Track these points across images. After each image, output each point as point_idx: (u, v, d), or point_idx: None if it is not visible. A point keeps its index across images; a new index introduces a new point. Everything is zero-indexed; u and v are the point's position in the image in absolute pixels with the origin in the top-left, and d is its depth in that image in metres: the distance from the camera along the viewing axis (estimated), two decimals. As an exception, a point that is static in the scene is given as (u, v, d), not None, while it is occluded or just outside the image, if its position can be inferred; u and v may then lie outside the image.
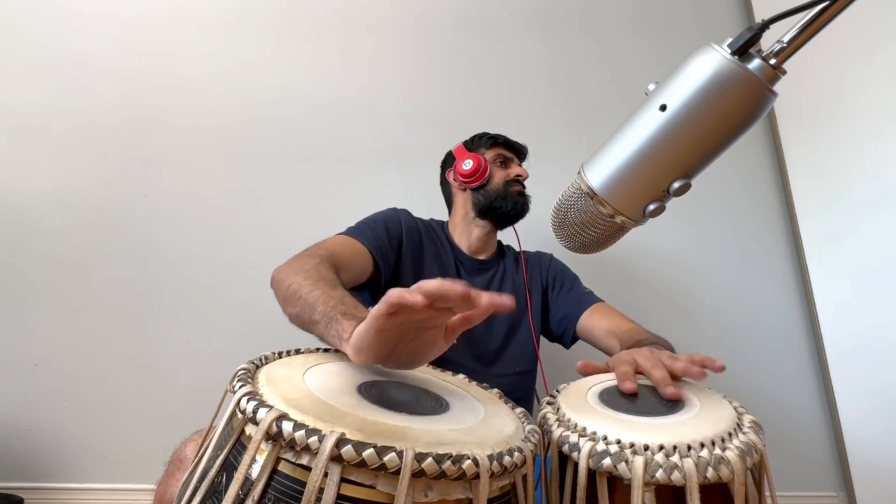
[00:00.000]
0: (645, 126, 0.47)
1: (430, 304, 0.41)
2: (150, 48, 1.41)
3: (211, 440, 0.44)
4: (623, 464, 0.43)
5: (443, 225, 1.12)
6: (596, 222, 0.52)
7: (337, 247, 0.83)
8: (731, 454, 0.43)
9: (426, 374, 0.56)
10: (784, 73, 0.43)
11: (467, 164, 1.05)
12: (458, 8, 1.57)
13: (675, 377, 0.56)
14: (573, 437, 0.47)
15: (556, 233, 0.57)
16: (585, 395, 0.56)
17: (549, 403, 0.55)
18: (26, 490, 1.16)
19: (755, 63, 0.43)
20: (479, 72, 1.54)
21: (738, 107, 0.44)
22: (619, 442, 0.44)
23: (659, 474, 0.41)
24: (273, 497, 0.36)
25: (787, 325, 1.47)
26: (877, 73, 1.30)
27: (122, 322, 1.26)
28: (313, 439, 0.35)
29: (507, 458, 0.39)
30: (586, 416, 0.50)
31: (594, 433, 0.46)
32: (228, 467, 0.39)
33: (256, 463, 0.37)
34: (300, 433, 0.35)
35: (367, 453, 0.34)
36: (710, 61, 0.43)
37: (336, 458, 0.34)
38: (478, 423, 0.45)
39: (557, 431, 0.49)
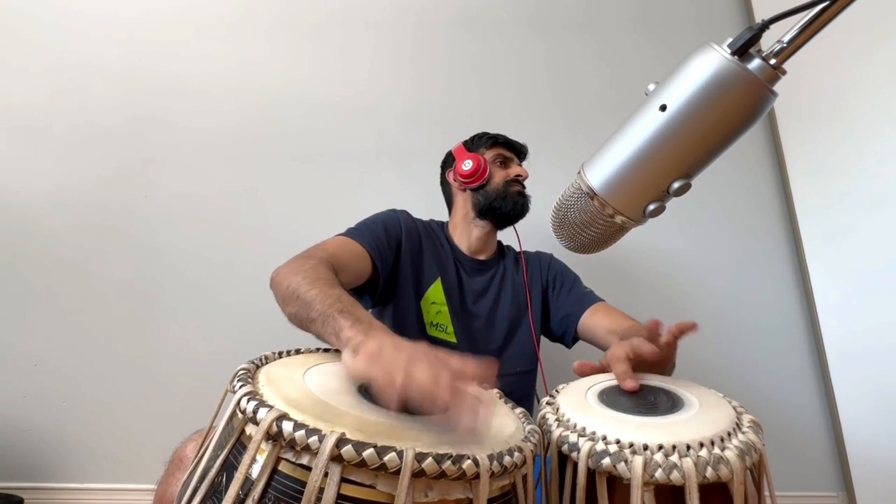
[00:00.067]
0: (645, 126, 0.47)
1: None
2: (150, 48, 1.41)
3: (211, 440, 0.44)
4: (622, 463, 0.43)
5: (443, 226, 1.12)
6: (596, 222, 0.52)
7: (336, 248, 0.83)
8: (730, 454, 0.43)
9: None
10: (784, 73, 0.43)
11: (467, 165, 1.05)
12: (458, 8, 1.57)
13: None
14: (573, 437, 0.47)
15: (556, 233, 0.57)
16: (585, 395, 0.56)
17: (548, 403, 0.56)
18: (26, 490, 1.16)
19: (755, 63, 0.43)
20: (479, 72, 1.54)
21: (738, 107, 0.44)
22: (618, 442, 0.45)
23: (658, 474, 0.41)
24: (273, 497, 0.36)
25: (787, 325, 1.47)
26: (877, 73, 1.30)
27: (122, 322, 1.26)
28: (313, 439, 0.35)
29: (507, 458, 0.39)
30: (586, 415, 0.50)
31: (594, 433, 0.47)
32: (229, 467, 0.39)
33: (257, 463, 0.37)
34: (300, 433, 0.35)
35: (368, 453, 0.34)
36: (710, 61, 0.43)
37: (336, 457, 0.34)
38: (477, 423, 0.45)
39: (557, 431, 0.49)
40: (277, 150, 1.41)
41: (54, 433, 1.20)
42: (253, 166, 1.40)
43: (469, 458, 0.36)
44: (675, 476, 0.41)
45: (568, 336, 1.04)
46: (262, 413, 0.37)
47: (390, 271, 0.95)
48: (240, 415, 0.40)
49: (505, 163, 1.09)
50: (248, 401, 0.39)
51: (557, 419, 0.51)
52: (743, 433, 0.46)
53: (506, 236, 1.14)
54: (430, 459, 0.35)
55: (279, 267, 0.72)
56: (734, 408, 0.52)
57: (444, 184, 1.14)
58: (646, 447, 0.43)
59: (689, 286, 1.48)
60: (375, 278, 0.91)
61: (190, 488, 0.41)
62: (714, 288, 1.48)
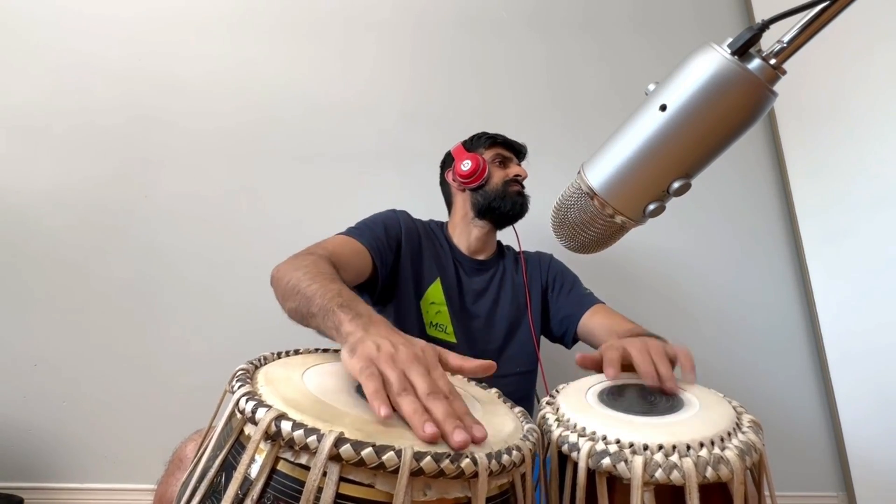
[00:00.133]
0: (645, 126, 0.47)
1: None
2: (150, 48, 1.41)
3: (210, 440, 0.44)
4: (622, 463, 0.43)
5: (442, 226, 1.12)
6: (596, 222, 0.52)
7: (336, 246, 0.84)
8: (730, 454, 0.43)
9: None
10: (784, 73, 0.43)
11: (466, 165, 1.05)
12: (459, 8, 1.57)
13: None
14: (573, 437, 0.47)
15: (556, 233, 0.57)
16: (585, 395, 0.56)
17: (548, 403, 0.56)
18: (26, 490, 1.16)
19: (755, 63, 0.43)
20: (479, 72, 1.54)
21: (738, 107, 0.44)
22: (618, 442, 0.44)
23: (658, 474, 0.41)
24: (272, 496, 0.36)
25: (787, 325, 1.46)
26: (877, 73, 1.30)
27: (122, 322, 1.26)
28: (312, 438, 0.35)
29: (505, 457, 0.39)
30: (586, 415, 0.50)
31: (593, 433, 0.47)
32: (228, 467, 0.39)
33: (255, 462, 0.37)
34: (299, 432, 0.35)
35: (366, 452, 0.34)
36: (710, 61, 0.43)
37: (335, 457, 0.34)
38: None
39: (557, 431, 0.49)
40: (277, 150, 1.41)
41: (54, 433, 1.20)
42: (253, 166, 1.40)
43: (467, 456, 0.36)
44: (676, 476, 0.41)
45: (568, 337, 1.04)
46: (260, 413, 0.37)
47: (390, 271, 0.95)
48: (238, 415, 0.40)
49: (504, 163, 1.09)
50: (247, 401, 0.39)
51: (557, 419, 0.51)
52: (743, 433, 0.46)
53: (506, 236, 1.14)
54: (428, 458, 0.35)
55: (279, 264, 0.72)
56: (734, 408, 0.52)
57: (444, 184, 1.14)
58: (646, 447, 0.43)
59: (689, 286, 1.48)
60: (375, 277, 0.91)
61: (189, 488, 0.41)
62: (714, 288, 1.48)
